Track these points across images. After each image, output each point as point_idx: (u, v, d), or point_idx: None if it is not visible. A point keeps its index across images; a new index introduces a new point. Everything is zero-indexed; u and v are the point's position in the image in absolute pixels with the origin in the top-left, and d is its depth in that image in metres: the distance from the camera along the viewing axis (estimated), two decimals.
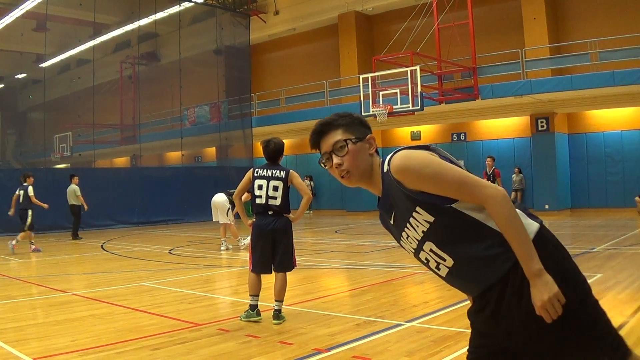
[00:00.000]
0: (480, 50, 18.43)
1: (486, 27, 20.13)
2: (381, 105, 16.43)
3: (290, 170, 5.60)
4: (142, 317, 5.84)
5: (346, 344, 4.60)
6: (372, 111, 16.55)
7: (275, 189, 5.43)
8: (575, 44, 18.70)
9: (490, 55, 18.95)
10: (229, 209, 11.76)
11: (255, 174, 5.47)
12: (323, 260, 10.09)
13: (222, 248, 11.85)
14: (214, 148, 26.27)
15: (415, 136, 23.17)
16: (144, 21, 22.71)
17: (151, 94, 23.64)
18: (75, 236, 15.55)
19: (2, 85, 24.58)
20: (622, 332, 4.56)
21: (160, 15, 23.18)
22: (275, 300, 5.46)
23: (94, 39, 21.61)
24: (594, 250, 9.92)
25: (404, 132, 23.44)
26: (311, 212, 24.26)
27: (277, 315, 5.42)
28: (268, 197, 5.41)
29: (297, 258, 5.71)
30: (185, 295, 7.10)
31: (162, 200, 20.69)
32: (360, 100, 17.09)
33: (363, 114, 17.09)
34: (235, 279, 8.64)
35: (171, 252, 12.01)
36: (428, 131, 22.92)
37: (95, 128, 21.74)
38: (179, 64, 22.64)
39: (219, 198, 11.95)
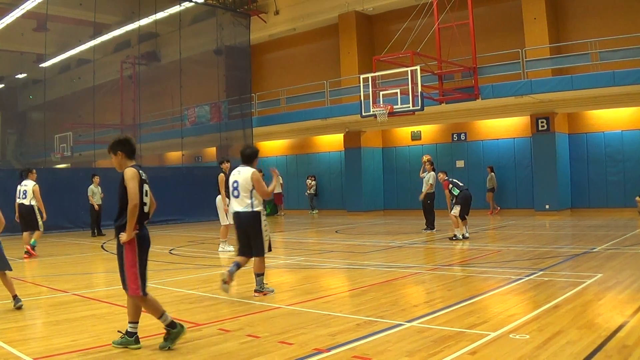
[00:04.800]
0: (481, 50, 18.43)
1: (486, 27, 20.12)
2: (381, 105, 16.40)
3: None
4: (142, 317, 5.81)
5: (346, 344, 4.60)
6: (373, 111, 16.53)
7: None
8: (575, 44, 18.70)
9: (490, 55, 18.94)
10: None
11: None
12: (323, 260, 10.07)
13: (225, 249, 11.66)
14: (214, 148, 26.28)
15: (416, 136, 23.11)
16: (144, 21, 22.69)
17: (151, 94, 23.63)
18: (98, 232, 16.42)
19: (2, 85, 24.51)
20: (622, 332, 4.58)
21: (160, 15, 23.16)
22: (133, 323, 4.84)
23: (94, 39, 21.58)
24: (594, 250, 9.92)
25: (404, 132, 23.38)
26: (316, 212, 24.27)
27: (131, 340, 4.74)
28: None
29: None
30: (185, 295, 7.10)
31: (162, 200, 20.44)
32: (361, 100, 17.09)
33: (363, 114, 17.12)
34: (235, 279, 8.62)
35: (171, 252, 12.01)
36: (428, 131, 22.88)
37: (95, 128, 21.69)
38: (179, 64, 22.63)
39: None
